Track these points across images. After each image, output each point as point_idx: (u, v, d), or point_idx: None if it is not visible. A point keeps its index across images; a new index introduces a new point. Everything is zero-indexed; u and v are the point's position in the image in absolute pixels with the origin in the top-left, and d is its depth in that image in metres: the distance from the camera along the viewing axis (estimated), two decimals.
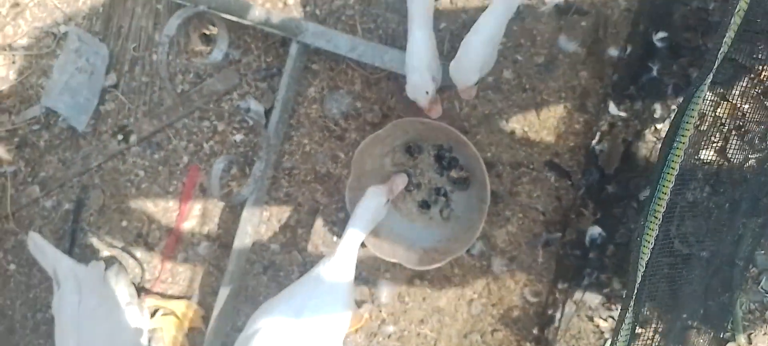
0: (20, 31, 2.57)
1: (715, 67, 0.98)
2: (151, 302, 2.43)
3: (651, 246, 0.93)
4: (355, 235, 1.92)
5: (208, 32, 2.44)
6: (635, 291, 0.94)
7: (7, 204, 2.55)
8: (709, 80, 0.94)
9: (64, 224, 2.55)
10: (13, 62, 2.58)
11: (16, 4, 2.58)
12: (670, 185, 0.91)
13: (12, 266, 2.60)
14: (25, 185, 2.57)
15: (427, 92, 1.85)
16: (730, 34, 0.96)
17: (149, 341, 2.38)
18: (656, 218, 0.92)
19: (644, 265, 0.94)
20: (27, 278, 2.58)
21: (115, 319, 2.20)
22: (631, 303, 0.96)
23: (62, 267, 2.26)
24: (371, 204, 1.97)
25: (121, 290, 2.31)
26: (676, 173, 0.92)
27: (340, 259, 1.87)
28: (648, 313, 2.00)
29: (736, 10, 1.15)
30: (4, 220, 2.58)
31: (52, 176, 2.54)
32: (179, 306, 2.43)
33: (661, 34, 2.12)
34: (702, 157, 2.07)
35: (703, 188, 2.07)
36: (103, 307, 2.19)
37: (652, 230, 0.92)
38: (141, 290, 2.46)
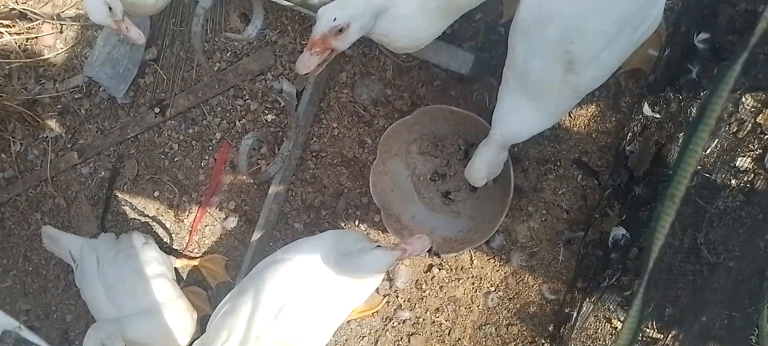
0: (68, 2, 2.67)
1: (747, 50, 0.94)
2: (177, 262, 2.50)
3: (666, 231, 0.90)
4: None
5: (248, 14, 2.49)
6: (647, 273, 0.92)
7: (47, 168, 2.66)
8: (740, 64, 0.90)
9: (99, 191, 2.64)
10: (61, 32, 2.68)
11: None
12: (692, 168, 0.88)
13: None
14: (64, 150, 2.67)
15: (327, 29, 1.72)
16: (761, 26, 0.93)
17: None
18: (674, 202, 0.90)
19: (657, 249, 0.91)
20: None
21: (135, 258, 2.28)
22: (642, 288, 0.94)
23: (76, 246, 2.37)
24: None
25: (147, 250, 2.36)
26: (699, 153, 0.89)
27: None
28: (669, 319, 1.96)
29: None
30: (44, 183, 2.69)
31: (90, 143, 2.64)
32: (203, 262, 2.52)
33: (704, 36, 2.05)
34: (738, 164, 2.00)
35: (736, 197, 2.00)
36: (122, 254, 2.28)
37: (669, 213, 0.90)
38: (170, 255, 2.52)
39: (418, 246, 1.84)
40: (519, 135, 1.87)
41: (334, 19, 1.70)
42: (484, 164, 1.85)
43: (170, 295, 2.22)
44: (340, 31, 1.70)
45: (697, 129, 0.80)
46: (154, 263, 2.29)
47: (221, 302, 2.05)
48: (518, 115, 1.83)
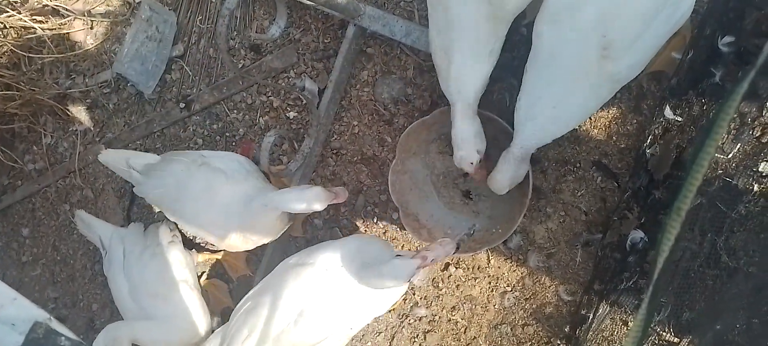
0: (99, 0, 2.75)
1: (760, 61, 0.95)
2: (199, 255, 2.55)
3: (671, 242, 0.92)
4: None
5: (272, 13, 2.53)
6: (654, 280, 0.93)
7: (76, 160, 2.73)
8: (752, 75, 0.91)
9: (126, 184, 2.71)
10: (91, 28, 2.75)
11: None
12: (698, 182, 0.89)
13: None
14: (93, 143, 2.75)
15: (471, 163, 2.02)
16: None
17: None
18: (679, 216, 0.91)
19: (663, 260, 0.92)
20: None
21: (160, 258, 2.33)
22: (649, 294, 0.95)
23: (106, 233, 2.45)
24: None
25: (172, 250, 2.42)
26: (705, 167, 0.90)
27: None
28: (686, 323, 1.95)
29: None
30: (72, 175, 2.77)
31: (117, 136, 2.71)
32: (224, 256, 2.57)
33: (728, 39, 2.03)
34: (761, 169, 1.98)
35: (757, 202, 1.98)
36: (147, 250, 2.34)
37: (675, 227, 0.91)
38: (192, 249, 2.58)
39: (441, 252, 1.80)
40: (542, 141, 1.89)
41: (472, 163, 2.00)
42: (506, 177, 1.97)
43: (189, 302, 2.27)
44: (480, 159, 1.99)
45: (704, 144, 0.81)
46: (177, 264, 2.34)
47: (244, 298, 2.08)
48: (541, 121, 1.83)
